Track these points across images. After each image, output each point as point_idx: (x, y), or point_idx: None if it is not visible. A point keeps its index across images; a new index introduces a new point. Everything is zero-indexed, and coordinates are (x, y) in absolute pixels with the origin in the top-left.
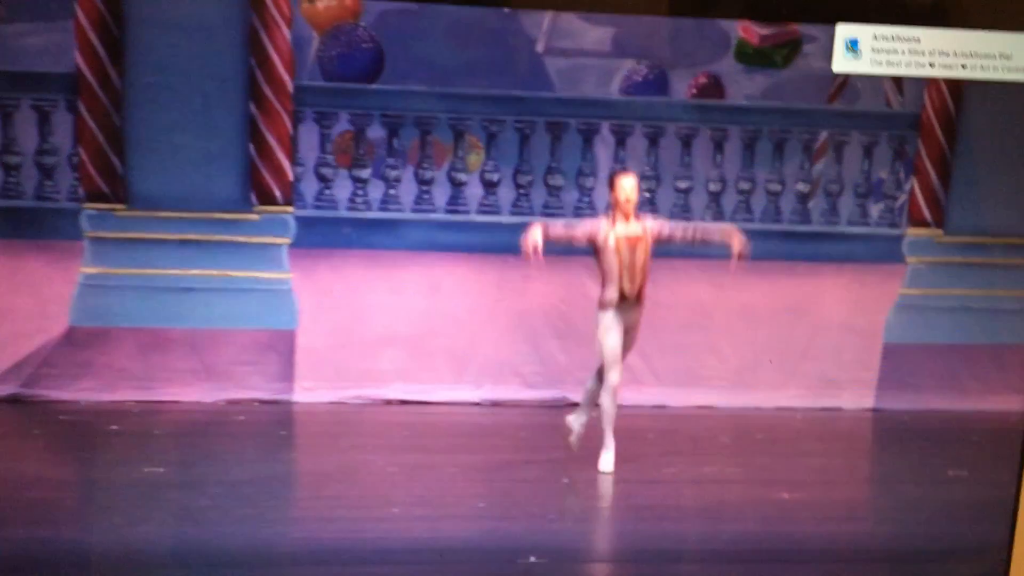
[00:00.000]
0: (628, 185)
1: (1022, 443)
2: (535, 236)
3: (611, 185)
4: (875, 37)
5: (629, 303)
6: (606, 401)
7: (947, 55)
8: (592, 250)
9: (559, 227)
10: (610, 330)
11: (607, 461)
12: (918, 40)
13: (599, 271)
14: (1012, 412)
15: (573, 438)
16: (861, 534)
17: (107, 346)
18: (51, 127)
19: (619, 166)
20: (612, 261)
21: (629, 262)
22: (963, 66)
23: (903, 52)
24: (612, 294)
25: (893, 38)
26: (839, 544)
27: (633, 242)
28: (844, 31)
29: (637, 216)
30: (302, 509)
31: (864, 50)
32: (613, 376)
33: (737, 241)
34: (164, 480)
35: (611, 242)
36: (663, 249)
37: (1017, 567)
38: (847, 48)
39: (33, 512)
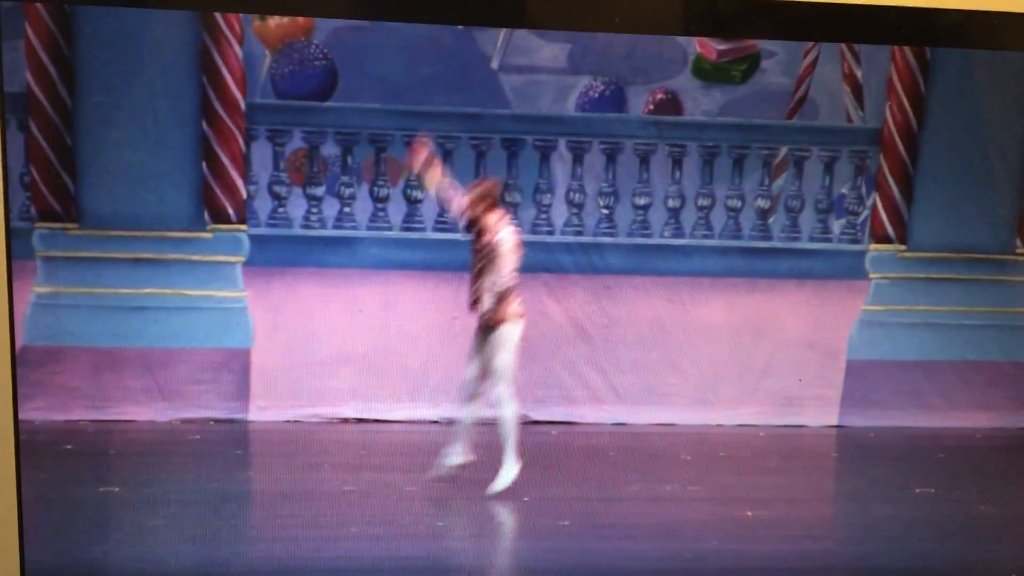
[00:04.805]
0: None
1: None
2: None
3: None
4: None
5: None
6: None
7: None
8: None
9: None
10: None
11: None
12: None
13: None
14: (977, 428)
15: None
16: (826, 552)
17: (60, 365)
18: (2, 146)
19: (577, 183)
20: None
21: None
22: None
23: None
24: None
25: None
26: (803, 563)
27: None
28: None
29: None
30: (258, 529)
31: None
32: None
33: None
34: (119, 500)
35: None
36: (620, 266)
37: None
38: None
39: None
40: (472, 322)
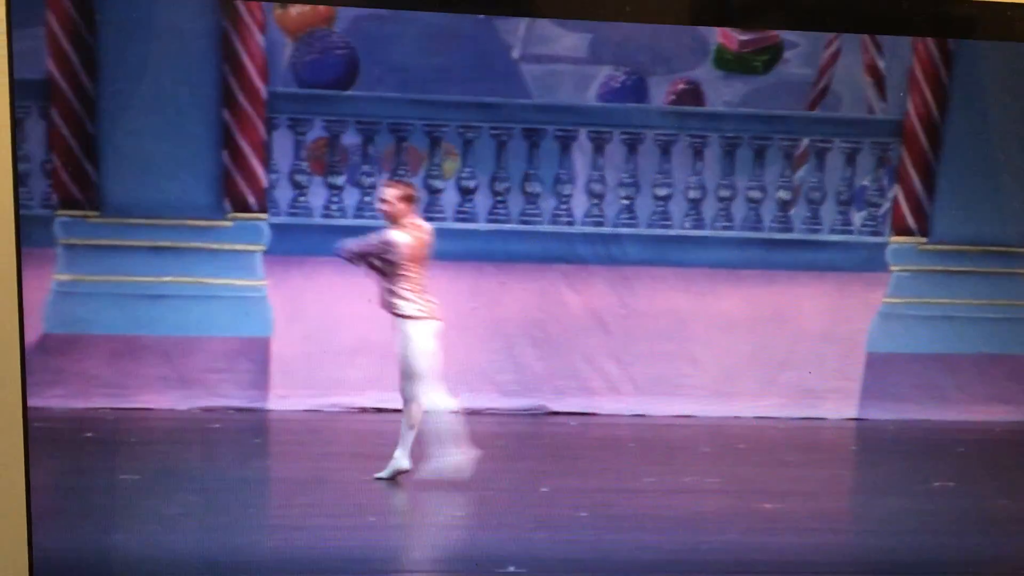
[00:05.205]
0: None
1: None
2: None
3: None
4: None
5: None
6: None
7: None
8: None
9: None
10: None
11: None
12: None
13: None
14: (997, 423)
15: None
16: (844, 545)
17: (80, 353)
18: (24, 134)
19: (597, 173)
20: None
21: None
22: None
23: None
24: None
25: None
26: (822, 555)
27: None
28: None
29: None
30: (276, 517)
31: None
32: None
33: None
34: (138, 487)
35: None
36: (640, 257)
37: None
38: None
39: None
40: (486, 314)
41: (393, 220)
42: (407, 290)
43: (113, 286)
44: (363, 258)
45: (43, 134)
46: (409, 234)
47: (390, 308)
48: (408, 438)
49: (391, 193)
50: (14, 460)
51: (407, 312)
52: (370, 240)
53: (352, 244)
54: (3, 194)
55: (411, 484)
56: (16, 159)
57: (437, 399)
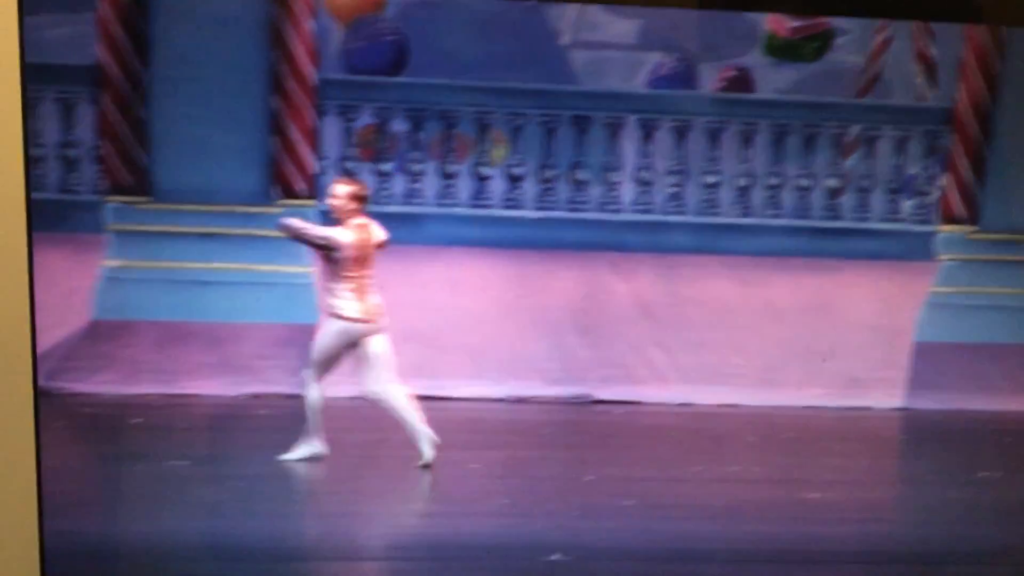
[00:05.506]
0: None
1: None
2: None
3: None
4: None
5: None
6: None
7: None
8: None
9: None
10: None
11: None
12: None
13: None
14: None
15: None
16: (889, 535)
17: (129, 339)
18: (74, 120)
19: (646, 161)
20: None
21: None
22: None
23: None
24: None
25: None
26: (867, 545)
27: None
28: None
29: None
30: (322, 504)
31: None
32: None
33: None
34: (186, 473)
35: None
36: (687, 245)
37: None
38: None
39: (54, 505)
40: (533, 301)
41: (340, 218)
42: (347, 291)
43: (162, 272)
44: (303, 243)
45: (93, 120)
46: (354, 234)
47: (328, 309)
48: (418, 427)
49: (341, 191)
50: (24, 447)
51: (343, 313)
52: (313, 230)
53: (296, 224)
54: (14, 183)
55: (455, 472)
56: (28, 146)
57: (319, 391)
